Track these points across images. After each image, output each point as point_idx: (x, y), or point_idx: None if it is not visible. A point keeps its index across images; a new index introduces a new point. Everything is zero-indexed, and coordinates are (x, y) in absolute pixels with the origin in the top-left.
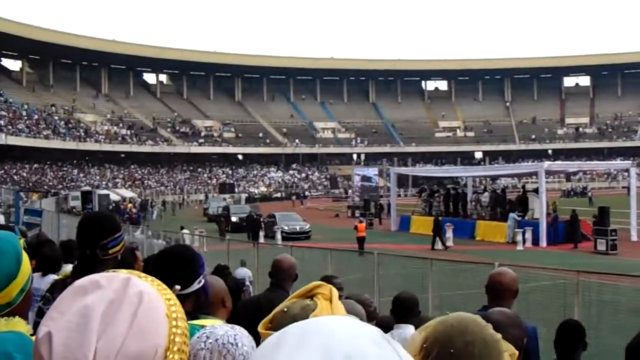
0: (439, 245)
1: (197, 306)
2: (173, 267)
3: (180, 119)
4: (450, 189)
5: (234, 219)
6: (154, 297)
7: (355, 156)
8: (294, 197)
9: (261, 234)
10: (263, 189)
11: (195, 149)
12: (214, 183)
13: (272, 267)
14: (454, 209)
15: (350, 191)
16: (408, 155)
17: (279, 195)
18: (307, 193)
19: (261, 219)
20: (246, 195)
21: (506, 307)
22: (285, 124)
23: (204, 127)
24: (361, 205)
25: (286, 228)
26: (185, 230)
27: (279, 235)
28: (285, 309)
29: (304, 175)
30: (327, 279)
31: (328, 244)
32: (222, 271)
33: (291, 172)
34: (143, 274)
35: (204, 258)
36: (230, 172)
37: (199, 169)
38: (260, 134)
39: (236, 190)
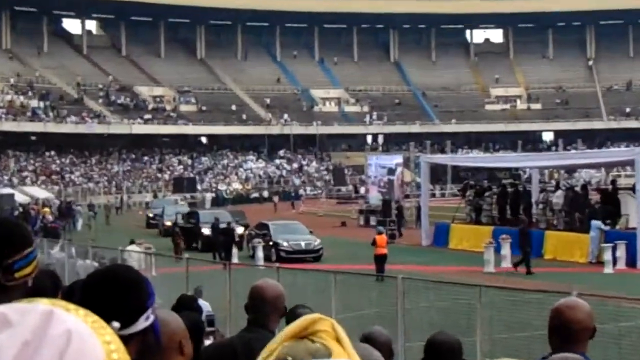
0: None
1: (143, 352)
2: (109, 297)
3: (116, 85)
4: (507, 185)
5: (205, 231)
6: (87, 337)
7: (369, 139)
8: (275, 199)
9: (234, 251)
10: (237, 185)
11: (138, 128)
12: (165, 178)
13: (251, 297)
14: (512, 214)
15: (362, 189)
16: (446, 136)
17: (263, 194)
18: (300, 192)
19: (244, 232)
20: (212, 194)
21: (580, 354)
22: (269, 92)
23: (152, 97)
24: (379, 210)
25: (285, 245)
26: (134, 247)
27: (260, 254)
28: (288, 358)
29: (295, 165)
30: (293, 312)
31: (332, 264)
32: (187, 304)
33: (278, 161)
34: (72, 306)
35: (153, 285)
36: (189, 161)
37: (145, 158)
38: (233, 107)
39: (198, 187)
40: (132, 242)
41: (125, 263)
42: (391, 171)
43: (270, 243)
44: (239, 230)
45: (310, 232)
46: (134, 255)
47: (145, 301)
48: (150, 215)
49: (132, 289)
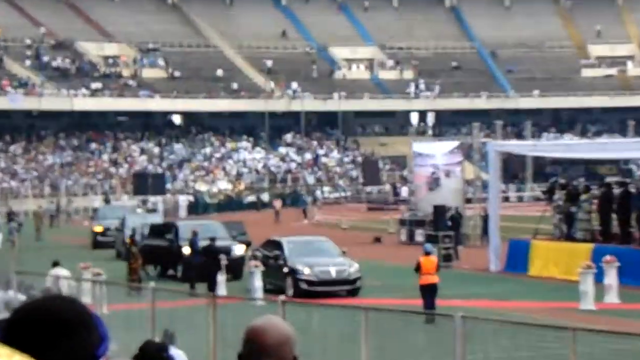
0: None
1: None
2: (43, 342)
3: (51, 39)
4: (613, 185)
5: (187, 251)
6: None
7: (415, 118)
8: (276, 204)
9: (220, 278)
10: (225, 185)
11: (83, 102)
12: (122, 174)
13: (246, 343)
14: (620, 227)
15: (404, 189)
16: (525, 115)
17: (261, 198)
18: (316, 194)
19: (246, 252)
20: (189, 198)
21: None
22: (271, 52)
23: (102, 59)
24: (428, 220)
25: (307, 272)
26: (60, 270)
27: (258, 283)
28: None
29: (309, 156)
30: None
31: (363, 298)
32: (153, 354)
33: (283, 150)
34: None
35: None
36: (156, 150)
37: (92, 145)
38: (219, 72)
39: (169, 187)
40: (55, 265)
41: (66, 294)
42: (446, 165)
43: (285, 270)
44: (238, 249)
45: (343, 252)
46: (65, 285)
47: (95, 348)
48: (99, 228)
49: (76, 330)
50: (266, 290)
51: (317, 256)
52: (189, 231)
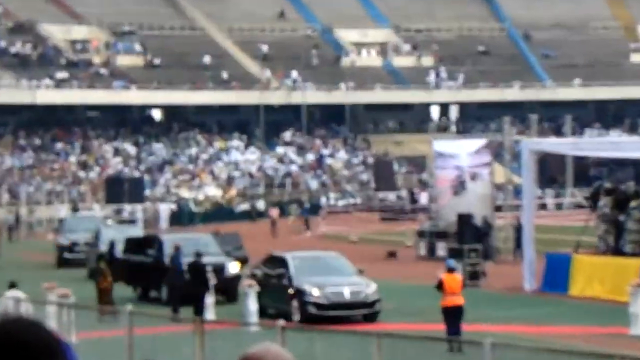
0: None
1: None
2: None
3: (9, 21)
4: None
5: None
6: None
7: (435, 111)
8: (273, 213)
9: (208, 300)
10: (213, 191)
11: (47, 95)
12: (93, 178)
13: None
14: None
15: (423, 195)
16: (564, 108)
17: (256, 206)
18: (322, 200)
19: (243, 270)
20: (171, 206)
21: None
22: (267, 35)
23: (69, 43)
24: (451, 231)
25: (317, 294)
26: (17, 292)
27: (252, 307)
28: None
29: (312, 157)
30: None
31: (375, 323)
32: None
33: (281, 149)
34: None
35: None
36: (133, 151)
37: (58, 145)
38: (206, 59)
39: (147, 193)
40: (12, 286)
41: (26, 317)
42: (472, 166)
43: (290, 291)
44: (232, 267)
45: (360, 271)
46: (25, 309)
47: None
48: (65, 242)
49: (40, 358)
50: (268, 316)
51: (327, 275)
52: (174, 246)
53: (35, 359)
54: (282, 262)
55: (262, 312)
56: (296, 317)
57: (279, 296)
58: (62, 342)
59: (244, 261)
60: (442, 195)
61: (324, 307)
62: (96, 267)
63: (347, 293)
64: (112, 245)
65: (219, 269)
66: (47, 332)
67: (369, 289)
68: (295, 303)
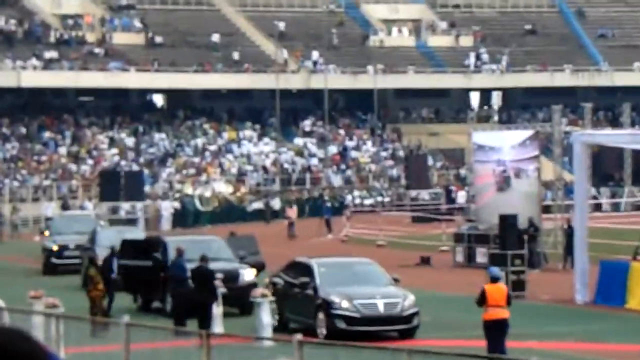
0: None
1: None
2: None
3: None
4: None
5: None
6: None
7: (475, 98)
8: (290, 213)
9: (216, 310)
10: (223, 187)
11: (33, 77)
12: (86, 172)
13: None
14: None
15: (461, 194)
16: (621, 94)
17: (271, 205)
18: (346, 198)
19: (264, 279)
20: (174, 204)
21: None
22: (284, 11)
23: (58, 18)
24: (493, 235)
25: (345, 306)
26: None
27: (266, 319)
28: None
29: (334, 149)
30: None
31: (408, 338)
32: None
33: (300, 140)
34: None
35: None
36: (131, 142)
37: (45, 134)
38: (215, 37)
39: (147, 190)
40: None
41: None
42: (516, 161)
43: (316, 302)
44: (247, 274)
45: (395, 280)
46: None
47: None
48: (53, 247)
49: None
50: (290, 331)
51: (358, 285)
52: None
53: None
54: (306, 269)
55: (284, 327)
56: (322, 332)
57: (303, 308)
58: (49, 353)
59: (260, 268)
60: (482, 194)
61: (354, 322)
62: (86, 274)
63: (380, 306)
64: (112, 250)
65: (232, 277)
66: (33, 342)
67: (406, 301)
68: (321, 316)
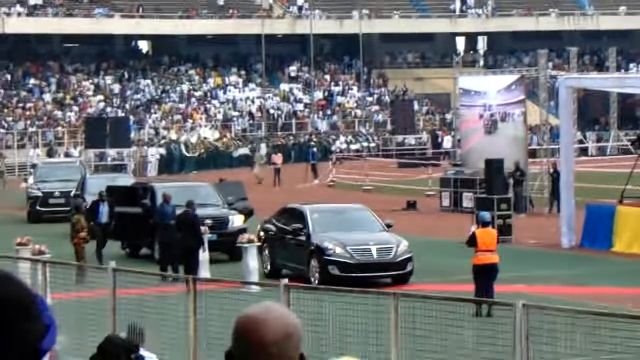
0: None
1: None
2: None
3: None
4: None
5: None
6: None
7: (461, 43)
8: (276, 159)
9: (202, 255)
10: (209, 133)
11: (16, 24)
12: (72, 119)
13: (238, 339)
14: None
15: (447, 139)
16: (606, 39)
17: (258, 150)
18: (333, 145)
19: (255, 228)
20: (160, 151)
21: None
22: None
23: None
24: (480, 179)
25: (338, 252)
26: None
27: (253, 263)
28: None
29: (319, 94)
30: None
31: (404, 285)
32: (116, 354)
33: (286, 86)
34: None
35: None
36: (116, 87)
37: (30, 81)
38: None
39: (133, 136)
40: None
41: None
42: (502, 105)
43: (309, 249)
44: (236, 220)
45: (388, 225)
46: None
47: (38, 340)
48: (36, 192)
49: (13, 318)
50: (282, 277)
51: (351, 231)
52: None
53: (7, 319)
54: (299, 216)
55: (276, 274)
56: (315, 278)
57: (296, 255)
58: (36, 297)
59: (248, 214)
60: (467, 138)
61: (348, 268)
62: (72, 224)
63: (374, 251)
64: (101, 196)
65: (221, 223)
66: (20, 286)
67: (399, 247)
68: (314, 263)
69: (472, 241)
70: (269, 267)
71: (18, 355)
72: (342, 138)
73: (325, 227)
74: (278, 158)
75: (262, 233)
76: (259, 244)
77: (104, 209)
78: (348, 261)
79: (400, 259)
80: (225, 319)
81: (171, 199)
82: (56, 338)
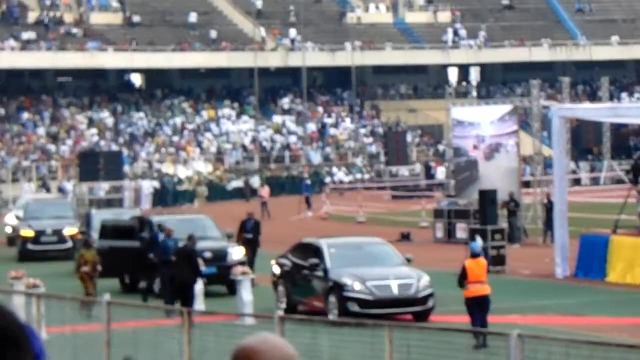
0: None
1: None
2: None
3: None
4: None
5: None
6: None
7: (453, 74)
8: (262, 191)
9: (198, 289)
10: (202, 167)
11: (11, 58)
12: (65, 152)
13: None
14: None
15: (440, 169)
16: (599, 69)
17: (250, 183)
18: (326, 176)
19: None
20: (153, 184)
21: None
22: None
23: None
24: (473, 210)
25: (358, 288)
26: None
27: (246, 296)
28: None
29: (312, 127)
30: None
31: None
32: None
33: (279, 118)
34: None
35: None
36: (110, 121)
37: (24, 115)
38: (192, 16)
39: (126, 170)
40: None
41: None
42: (496, 136)
43: (329, 284)
44: (235, 253)
45: (408, 260)
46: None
47: None
48: (28, 233)
49: (3, 346)
50: (299, 313)
51: (370, 265)
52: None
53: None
54: (315, 251)
55: (292, 310)
56: (334, 315)
57: (313, 291)
58: (27, 327)
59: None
60: (462, 170)
61: (367, 304)
62: (79, 258)
63: (394, 287)
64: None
65: (220, 256)
66: (10, 316)
67: (420, 281)
68: (332, 299)
69: (462, 275)
70: (284, 302)
71: None
72: (341, 170)
73: (343, 262)
74: (265, 191)
75: (276, 268)
76: (252, 277)
77: (171, 242)
78: (367, 297)
79: (421, 294)
80: (219, 352)
81: (172, 233)
82: None
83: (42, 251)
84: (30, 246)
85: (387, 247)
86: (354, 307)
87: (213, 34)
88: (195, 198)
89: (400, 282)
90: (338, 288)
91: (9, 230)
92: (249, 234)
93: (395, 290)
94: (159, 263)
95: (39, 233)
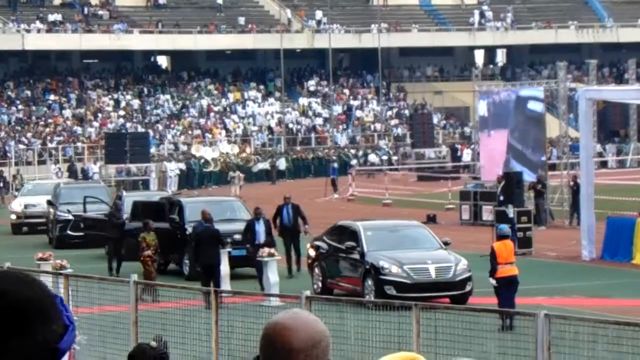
0: None
1: None
2: None
3: None
4: None
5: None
6: None
7: (480, 56)
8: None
9: (223, 269)
10: (227, 148)
11: (36, 40)
12: (91, 134)
13: (266, 346)
14: None
15: (467, 151)
16: (626, 51)
17: (277, 165)
18: (352, 160)
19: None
20: (180, 166)
21: None
22: None
23: None
24: (500, 192)
25: (395, 272)
26: None
27: (273, 277)
28: None
29: (338, 109)
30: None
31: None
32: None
33: (305, 100)
34: None
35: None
36: (136, 103)
37: (50, 97)
38: None
39: (153, 151)
40: None
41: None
42: (522, 119)
43: (366, 267)
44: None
45: (446, 243)
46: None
47: (57, 339)
48: (65, 215)
49: (34, 320)
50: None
51: (408, 248)
52: (197, 211)
53: (26, 315)
54: (351, 233)
55: (328, 293)
56: (370, 298)
57: (349, 274)
58: (56, 298)
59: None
60: (488, 153)
61: (404, 288)
62: (139, 244)
63: (432, 271)
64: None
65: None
66: (39, 287)
67: (458, 265)
68: (369, 282)
69: (492, 255)
70: (320, 285)
71: (37, 355)
72: (361, 152)
73: (380, 245)
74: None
75: (312, 251)
76: (278, 258)
77: (260, 227)
78: (405, 281)
79: (459, 278)
80: (246, 332)
81: (211, 218)
82: (75, 338)
83: (79, 237)
84: (69, 232)
85: (424, 230)
86: (391, 291)
87: (239, 16)
88: (231, 184)
89: (438, 265)
90: (375, 271)
91: (13, 217)
92: (286, 222)
93: (433, 274)
94: (201, 245)
95: (78, 219)
